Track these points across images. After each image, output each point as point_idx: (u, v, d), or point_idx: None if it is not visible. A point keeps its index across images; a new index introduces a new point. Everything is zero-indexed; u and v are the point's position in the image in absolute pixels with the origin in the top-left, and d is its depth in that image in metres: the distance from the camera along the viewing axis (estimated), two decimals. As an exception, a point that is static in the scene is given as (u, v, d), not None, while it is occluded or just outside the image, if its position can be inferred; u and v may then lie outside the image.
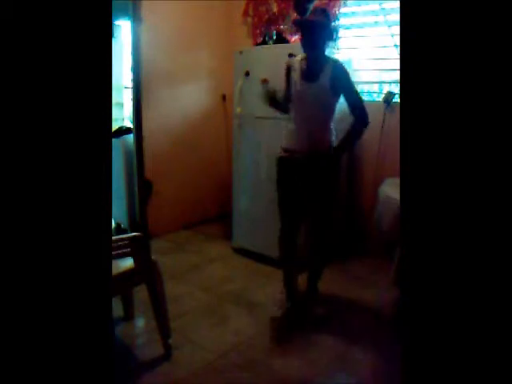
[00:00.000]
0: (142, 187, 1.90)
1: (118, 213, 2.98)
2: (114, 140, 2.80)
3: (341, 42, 3.19)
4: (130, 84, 2.97)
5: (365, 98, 3.27)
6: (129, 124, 3.26)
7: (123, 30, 3.18)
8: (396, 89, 2.98)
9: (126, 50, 3.19)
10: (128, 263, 1.85)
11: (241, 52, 2.99)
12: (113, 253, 1.72)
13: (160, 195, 3.20)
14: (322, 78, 2.06)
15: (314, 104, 2.10)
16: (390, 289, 2.58)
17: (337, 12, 3.06)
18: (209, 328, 2.22)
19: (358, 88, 3.28)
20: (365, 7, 3.08)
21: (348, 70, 2.12)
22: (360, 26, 3.15)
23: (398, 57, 2.71)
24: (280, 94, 2.23)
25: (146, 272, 1.90)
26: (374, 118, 2.97)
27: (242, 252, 3.17)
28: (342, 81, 2.07)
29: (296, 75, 2.13)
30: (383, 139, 3.00)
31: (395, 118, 2.83)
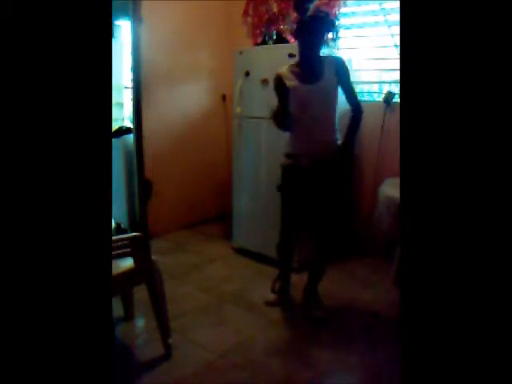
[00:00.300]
0: (141, 187, 1.90)
1: (118, 213, 2.98)
2: (114, 140, 2.80)
3: (341, 42, 3.19)
4: (130, 84, 2.96)
5: (365, 98, 3.28)
6: (129, 124, 3.26)
7: (123, 30, 3.18)
8: (396, 89, 2.98)
9: (126, 50, 3.19)
10: (128, 263, 1.85)
11: (241, 52, 2.99)
12: (113, 253, 1.72)
13: (160, 195, 3.20)
14: (326, 76, 2.05)
15: (321, 104, 2.09)
16: (390, 289, 2.58)
17: (337, 12, 3.05)
18: (209, 328, 2.22)
19: (357, 88, 3.31)
20: (365, 7, 3.08)
21: (346, 62, 2.15)
22: (360, 26, 3.15)
23: (398, 57, 2.71)
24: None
25: (146, 272, 1.90)
26: (374, 117, 2.99)
27: (242, 252, 3.17)
28: (345, 74, 2.09)
29: (292, 82, 2.09)
30: (383, 139, 3.00)
31: (395, 118, 2.83)
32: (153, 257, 1.93)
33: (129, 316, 2.28)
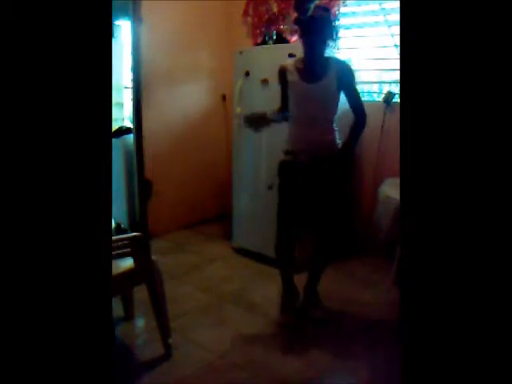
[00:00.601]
0: (142, 187, 1.90)
1: (118, 213, 2.98)
2: (114, 140, 2.80)
3: (341, 42, 3.19)
4: (130, 84, 2.96)
5: (365, 98, 3.28)
6: (129, 124, 3.25)
7: (123, 30, 3.18)
8: (396, 89, 2.98)
9: (126, 50, 3.19)
10: (128, 263, 1.85)
11: (241, 52, 2.99)
12: (113, 253, 1.72)
13: (160, 195, 3.20)
14: (327, 77, 2.04)
15: (318, 104, 2.08)
16: (390, 289, 2.58)
17: (337, 12, 3.06)
18: (209, 328, 2.22)
19: (358, 87, 3.31)
20: (365, 7, 3.08)
21: (353, 68, 2.14)
22: (360, 26, 3.15)
23: (398, 57, 2.71)
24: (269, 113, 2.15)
25: (146, 272, 1.90)
26: (374, 117, 2.98)
27: (242, 252, 3.17)
28: (348, 79, 2.07)
29: (293, 77, 2.10)
30: (383, 139, 3.00)
31: (395, 118, 2.83)
32: (153, 257, 1.93)
33: (129, 316, 2.27)
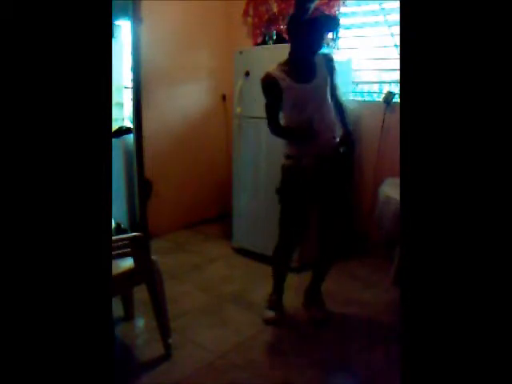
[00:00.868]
0: (141, 187, 1.90)
1: (118, 213, 2.97)
2: (114, 140, 2.80)
3: (341, 42, 3.19)
4: (130, 84, 2.96)
5: (365, 98, 3.28)
6: (129, 124, 3.25)
7: (123, 30, 3.17)
8: (396, 89, 2.98)
9: (126, 50, 3.19)
10: (128, 263, 1.85)
11: (241, 52, 2.99)
12: (113, 253, 1.72)
13: (160, 195, 3.20)
14: (319, 73, 2.03)
15: (318, 102, 2.06)
16: (390, 289, 2.58)
17: (337, 12, 3.06)
18: (209, 328, 2.22)
19: (357, 88, 3.31)
20: (365, 7, 3.08)
21: (333, 57, 2.15)
22: (360, 26, 3.15)
23: (398, 57, 2.71)
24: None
25: (146, 272, 1.90)
26: (374, 117, 3.00)
27: (242, 252, 3.17)
28: (332, 70, 2.08)
29: (286, 83, 2.01)
30: (383, 139, 3.00)
31: (395, 118, 2.83)
32: (153, 257, 1.93)
33: (129, 316, 2.28)
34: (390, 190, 2.52)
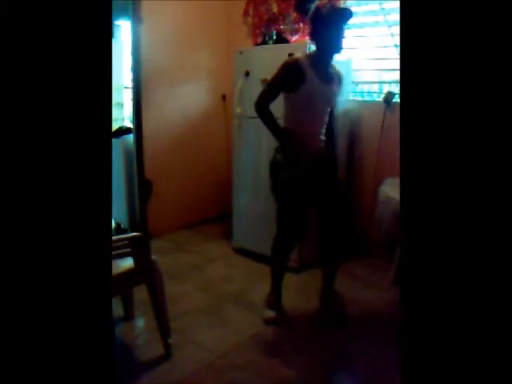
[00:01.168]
0: (141, 187, 1.90)
1: (118, 213, 2.97)
2: (114, 140, 2.80)
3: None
4: (130, 84, 2.96)
5: (365, 98, 3.28)
6: (129, 124, 3.25)
7: (123, 30, 3.17)
8: (396, 89, 2.98)
9: (126, 50, 3.19)
10: (128, 263, 1.85)
11: (241, 52, 2.99)
12: (113, 253, 1.72)
13: (160, 195, 3.20)
14: (335, 80, 2.05)
15: (326, 106, 2.08)
16: (390, 289, 2.58)
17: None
18: (209, 328, 2.22)
19: (357, 88, 3.32)
20: (365, 7, 3.08)
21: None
22: (360, 26, 3.15)
23: (398, 57, 2.71)
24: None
25: (146, 272, 1.90)
26: (374, 118, 3.00)
27: (242, 252, 3.17)
28: (340, 87, 2.11)
29: (310, 75, 1.97)
30: (383, 139, 3.00)
31: (395, 118, 2.83)
32: (153, 257, 1.93)
33: (129, 316, 2.28)
34: (390, 189, 2.52)
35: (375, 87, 3.32)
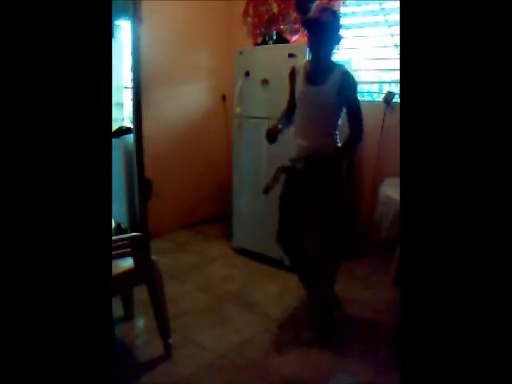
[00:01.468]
0: (142, 187, 1.90)
1: (118, 213, 2.97)
2: (114, 140, 2.80)
3: (341, 42, 3.18)
4: (130, 84, 2.96)
5: (365, 98, 3.28)
6: (129, 124, 3.26)
7: (123, 30, 3.18)
8: (396, 89, 2.98)
9: (126, 50, 3.19)
10: (128, 263, 1.85)
11: (241, 52, 2.99)
12: (113, 253, 1.72)
13: (160, 195, 3.20)
14: (329, 83, 2.01)
15: (316, 108, 2.06)
16: (390, 289, 2.58)
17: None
18: (209, 328, 2.22)
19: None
20: (365, 7, 3.08)
21: (356, 81, 2.09)
22: (360, 26, 3.15)
23: (398, 57, 2.71)
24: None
25: (146, 272, 1.90)
26: (374, 117, 2.99)
27: (242, 252, 3.17)
28: (349, 91, 2.02)
29: (299, 77, 2.10)
30: (383, 139, 3.00)
31: (395, 118, 2.83)
32: (153, 257, 1.93)
33: (129, 316, 2.28)
34: (390, 190, 2.52)
35: (375, 87, 3.32)
